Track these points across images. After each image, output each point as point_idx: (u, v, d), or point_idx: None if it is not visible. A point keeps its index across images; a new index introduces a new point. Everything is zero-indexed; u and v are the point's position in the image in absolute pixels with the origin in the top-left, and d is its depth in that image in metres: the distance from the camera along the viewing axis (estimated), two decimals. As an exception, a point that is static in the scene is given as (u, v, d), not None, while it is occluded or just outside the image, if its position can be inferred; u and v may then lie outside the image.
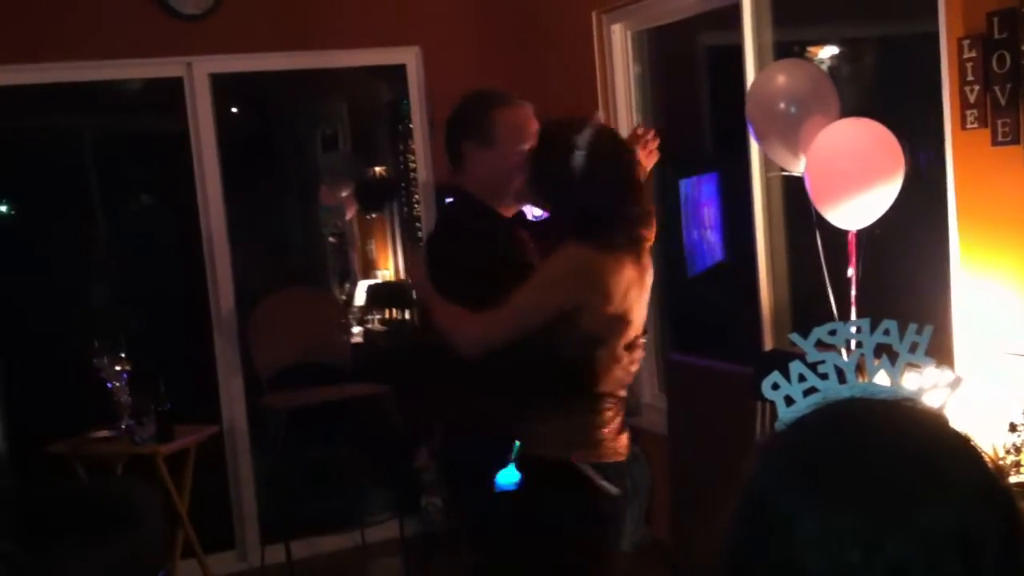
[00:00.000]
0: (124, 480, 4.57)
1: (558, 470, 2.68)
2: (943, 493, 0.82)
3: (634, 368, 2.80)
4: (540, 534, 2.68)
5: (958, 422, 0.91)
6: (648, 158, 2.97)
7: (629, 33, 4.87)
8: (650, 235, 2.79)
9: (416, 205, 5.94)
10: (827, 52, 4.29)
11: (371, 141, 6.94)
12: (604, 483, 2.71)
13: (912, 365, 1.08)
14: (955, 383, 1.05)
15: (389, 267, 6.82)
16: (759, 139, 3.45)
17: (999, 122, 2.91)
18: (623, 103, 4.89)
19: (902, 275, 3.59)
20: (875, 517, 0.81)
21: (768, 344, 4.18)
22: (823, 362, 1.07)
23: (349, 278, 6.94)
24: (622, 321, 2.69)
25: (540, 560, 2.69)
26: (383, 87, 6.43)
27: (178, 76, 4.98)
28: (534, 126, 2.81)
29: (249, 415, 5.12)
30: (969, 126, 2.99)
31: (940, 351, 3.17)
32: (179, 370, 4.96)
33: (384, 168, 6.74)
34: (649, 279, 2.80)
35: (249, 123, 6.40)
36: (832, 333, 1.10)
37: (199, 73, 4.97)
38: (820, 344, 1.13)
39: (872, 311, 3.21)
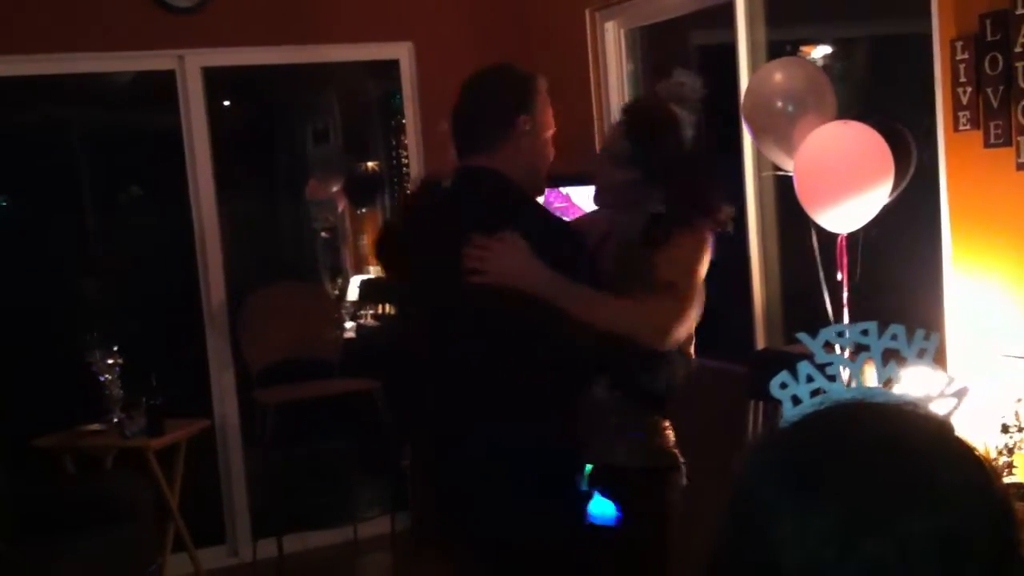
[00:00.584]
0: (115, 475, 4.56)
1: (650, 480, 2.62)
2: (928, 498, 0.82)
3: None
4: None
5: (962, 429, 0.91)
6: None
7: (622, 31, 4.87)
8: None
9: (408, 200, 5.94)
10: (820, 52, 4.30)
11: (363, 136, 6.93)
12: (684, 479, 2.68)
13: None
14: (962, 392, 1.06)
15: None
16: (755, 137, 3.45)
17: (991, 124, 2.92)
18: (616, 101, 4.89)
19: (895, 276, 3.61)
20: (853, 517, 0.81)
21: (760, 343, 4.19)
22: (831, 364, 1.08)
23: (341, 273, 6.94)
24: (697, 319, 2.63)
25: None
26: (376, 82, 6.42)
27: (170, 69, 4.97)
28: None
29: (240, 410, 5.12)
30: (961, 128, 3.00)
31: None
32: (170, 364, 4.95)
33: (375, 163, 6.74)
34: None
35: (241, 117, 6.39)
36: (840, 335, 1.11)
37: (191, 66, 4.96)
38: (826, 345, 1.14)
39: (865, 312, 3.23)
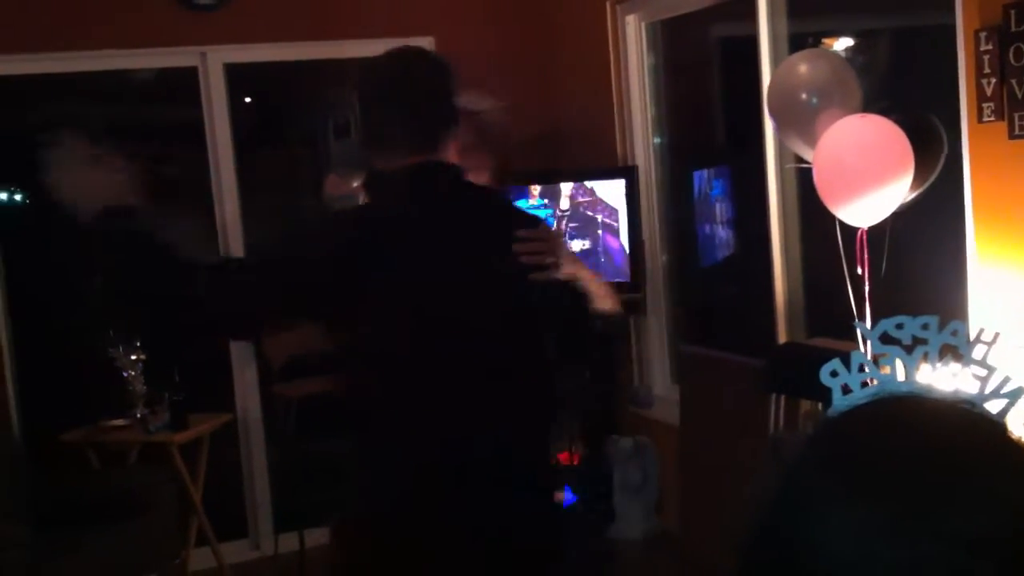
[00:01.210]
0: (139, 469, 4.60)
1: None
2: (987, 503, 0.80)
3: None
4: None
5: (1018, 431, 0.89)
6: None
7: (643, 24, 4.86)
8: None
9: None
10: (842, 44, 4.28)
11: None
12: None
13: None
14: (1017, 393, 1.04)
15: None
16: (779, 130, 3.44)
17: (1016, 115, 2.90)
18: (636, 94, 4.89)
19: (919, 269, 3.59)
20: (910, 515, 0.80)
21: (782, 337, 4.17)
22: (885, 355, 1.07)
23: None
24: None
25: None
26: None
27: (192, 66, 4.99)
28: None
29: (263, 404, 5.14)
30: (986, 119, 2.98)
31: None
32: (193, 359, 4.97)
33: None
34: None
35: (263, 113, 6.41)
36: (899, 327, 1.11)
37: (213, 63, 4.98)
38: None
39: (889, 306, 3.21)
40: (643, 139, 4.91)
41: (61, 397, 5.05)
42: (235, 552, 5.03)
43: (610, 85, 4.90)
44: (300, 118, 6.67)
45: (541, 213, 4.83)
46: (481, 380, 2.30)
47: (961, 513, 0.79)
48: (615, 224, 4.79)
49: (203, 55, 4.96)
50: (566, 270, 2.32)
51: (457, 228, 2.33)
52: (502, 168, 2.76)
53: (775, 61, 3.97)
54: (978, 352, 1.07)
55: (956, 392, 0.88)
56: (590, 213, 4.86)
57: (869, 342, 2.81)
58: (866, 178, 3.03)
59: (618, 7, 4.84)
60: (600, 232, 4.86)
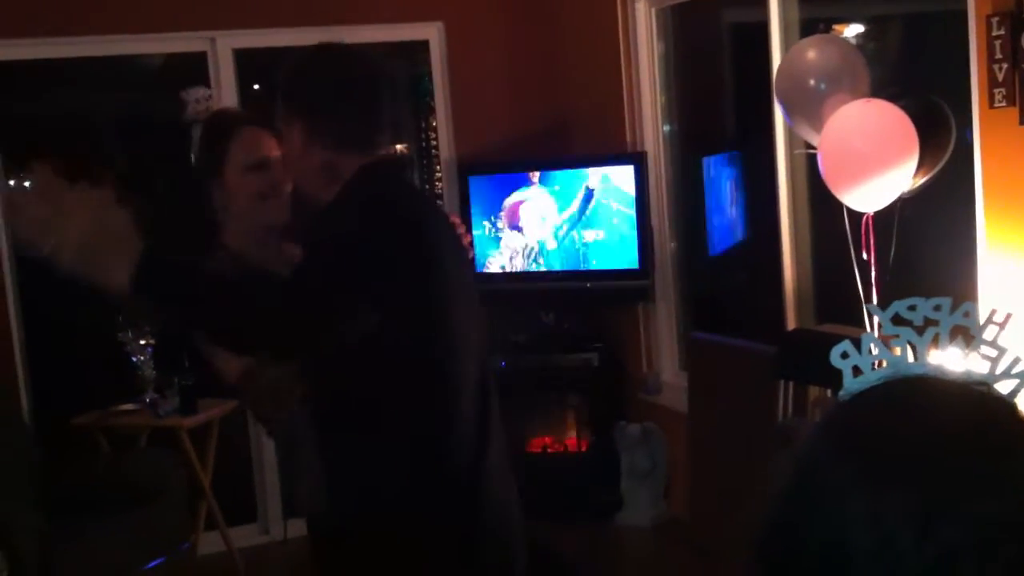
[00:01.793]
0: (149, 454, 4.61)
1: None
2: (1010, 484, 0.79)
3: None
4: None
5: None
6: None
7: (653, 10, 4.85)
8: None
9: (438, 183, 5.94)
10: (852, 30, 4.26)
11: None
12: None
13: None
14: None
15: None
16: (787, 115, 3.43)
17: (1028, 101, 2.89)
18: (647, 81, 4.88)
19: (929, 255, 3.58)
20: (931, 500, 0.78)
21: (791, 323, 4.17)
22: (897, 336, 1.06)
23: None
24: None
25: None
26: (405, 63, 6.41)
27: (202, 51, 4.99)
28: None
29: (272, 390, 5.14)
30: (997, 104, 2.97)
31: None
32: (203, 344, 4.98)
33: (404, 145, 6.73)
34: None
35: (272, 98, 6.41)
36: (911, 308, 1.10)
37: (223, 48, 4.97)
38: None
39: (899, 292, 3.20)
40: (653, 126, 4.90)
41: (71, 382, 5.06)
42: (244, 536, 5.04)
43: (620, 72, 4.89)
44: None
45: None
46: (488, 387, 2.24)
47: (981, 497, 0.78)
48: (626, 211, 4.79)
49: (212, 40, 4.96)
50: None
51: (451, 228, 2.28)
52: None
53: (786, 47, 3.96)
54: (989, 333, 1.07)
55: (967, 373, 0.86)
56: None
57: (880, 324, 2.81)
58: (871, 163, 3.02)
59: (628, -7, 4.83)
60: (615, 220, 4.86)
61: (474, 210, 5.12)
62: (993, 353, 1.11)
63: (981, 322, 1.09)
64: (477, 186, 5.15)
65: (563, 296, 5.08)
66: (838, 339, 3.52)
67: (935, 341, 1.16)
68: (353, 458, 2.18)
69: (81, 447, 4.63)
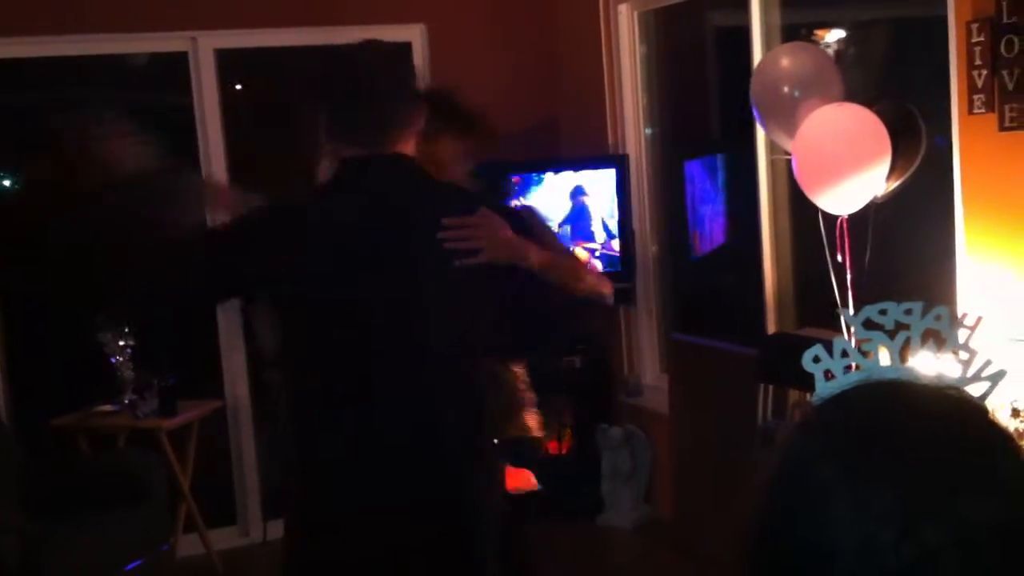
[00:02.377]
0: (129, 455, 4.59)
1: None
2: (989, 485, 0.80)
3: None
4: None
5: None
6: None
7: (636, 13, 4.86)
8: None
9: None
10: (834, 35, 4.28)
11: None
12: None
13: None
14: (997, 376, 1.05)
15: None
16: (762, 122, 3.45)
17: (1006, 107, 2.91)
18: (629, 84, 4.89)
19: (908, 259, 3.60)
20: (913, 500, 0.79)
21: (771, 326, 4.18)
22: (869, 340, 1.07)
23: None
24: None
25: None
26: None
27: (183, 51, 4.97)
28: None
29: (252, 390, 5.13)
30: (976, 111, 2.99)
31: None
32: (182, 345, 4.96)
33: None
34: None
35: (253, 99, 6.39)
36: (883, 312, 1.11)
37: (204, 48, 4.95)
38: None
39: (876, 295, 3.22)
40: (635, 129, 4.91)
41: (50, 383, 5.03)
42: (224, 538, 5.02)
43: (602, 75, 4.90)
44: (291, 105, 6.65)
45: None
46: (417, 365, 2.29)
47: (962, 499, 0.79)
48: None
49: (194, 40, 4.94)
50: (501, 253, 2.27)
51: (397, 218, 2.30)
52: (478, 148, 2.72)
53: (767, 52, 3.97)
54: (961, 336, 1.07)
55: (940, 376, 0.87)
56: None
57: (853, 328, 2.83)
58: (843, 165, 3.04)
59: (611, -4, 4.84)
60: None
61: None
62: (965, 356, 1.12)
63: (966, 326, 1.10)
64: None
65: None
66: (817, 342, 3.54)
67: (907, 345, 1.17)
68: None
69: (60, 448, 4.60)
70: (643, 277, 4.95)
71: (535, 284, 2.31)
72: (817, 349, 1.06)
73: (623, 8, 4.84)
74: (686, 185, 5.03)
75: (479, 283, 2.28)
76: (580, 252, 2.31)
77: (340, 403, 2.33)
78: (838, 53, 4.08)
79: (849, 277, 3.21)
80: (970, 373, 1.04)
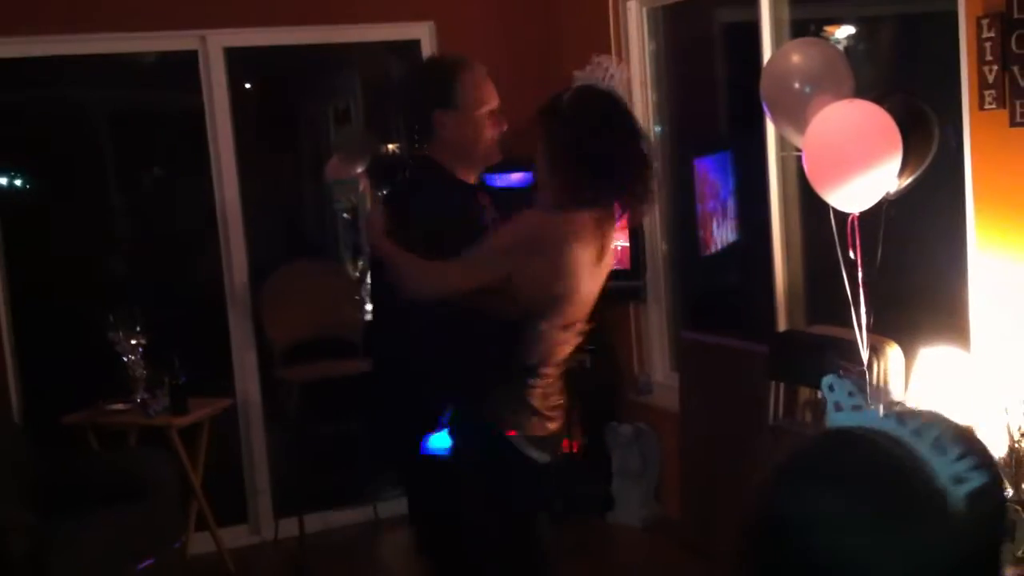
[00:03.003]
0: (140, 453, 4.60)
1: (489, 438, 2.75)
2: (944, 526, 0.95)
3: (567, 350, 2.81)
4: (470, 499, 2.77)
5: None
6: None
7: (645, 10, 4.85)
8: (629, 214, 2.81)
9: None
10: (843, 31, 4.27)
11: (384, 117, 6.93)
12: (532, 452, 2.77)
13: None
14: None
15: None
16: (773, 118, 3.43)
17: (1017, 103, 2.90)
18: (638, 80, 4.88)
19: (919, 256, 3.59)
20: (881, 541, 0.93)
21: (782, 324, 4.17)
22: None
23: (362, 254, 6.95)
24: (566, 300, 2.70)
25: (468, 522, 2.79)
26: (397, 63, 6.42)
27: (193, 50, 4.98)
28: (491, 87, 2.95)
29: (263, 388, 5.15)
30: (987, 106, 2.97)
31: (956, 331, 3.17)
32: (193, 343, 4.98)
33: (396, 145, 6.73)
34: (607, 266, 2.80)
35: (263, 98, 6.40)
36: (831, 388, 1.18)
37: (214, 47, 4.96)
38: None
39: (888, 293, 3.21)
40: (644, 125, 4.89)
41: (61, 381, 5.05)
42: (235, 537, 5.03)
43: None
44: (301, 103, 6.67)
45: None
46: None
47: (928, 538, 0.94)
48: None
49: (203, 39, 4.95)
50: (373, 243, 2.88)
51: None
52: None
53: (777, 48, 3.96)
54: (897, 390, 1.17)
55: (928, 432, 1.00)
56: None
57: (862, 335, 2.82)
58: (853, 162, 3.03)
59: (620, -8, 4.83)
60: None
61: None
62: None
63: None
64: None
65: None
66: (827, 340, 3.53)
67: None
68: None
69: (71, 446, 4.62)
70: (653, 275, 4.94)
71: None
72: (833, 378, 1.15)
73: (632, 4, 4.83)
74: (695, 182, 5.02)
75: None
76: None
77: None
78: (847, 49, 4.07)
79: (860, 274, 3.20)
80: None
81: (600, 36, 4.91)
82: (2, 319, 4.83)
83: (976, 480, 0.96)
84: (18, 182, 5.85)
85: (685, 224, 5.05)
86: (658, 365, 5.04)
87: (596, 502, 4.97)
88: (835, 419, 1.11)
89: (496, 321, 2.70)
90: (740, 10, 4.34)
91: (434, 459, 2.80)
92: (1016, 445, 2.68)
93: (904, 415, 1.01)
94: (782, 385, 3.80)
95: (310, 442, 5.30)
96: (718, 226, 5.10)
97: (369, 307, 5.40)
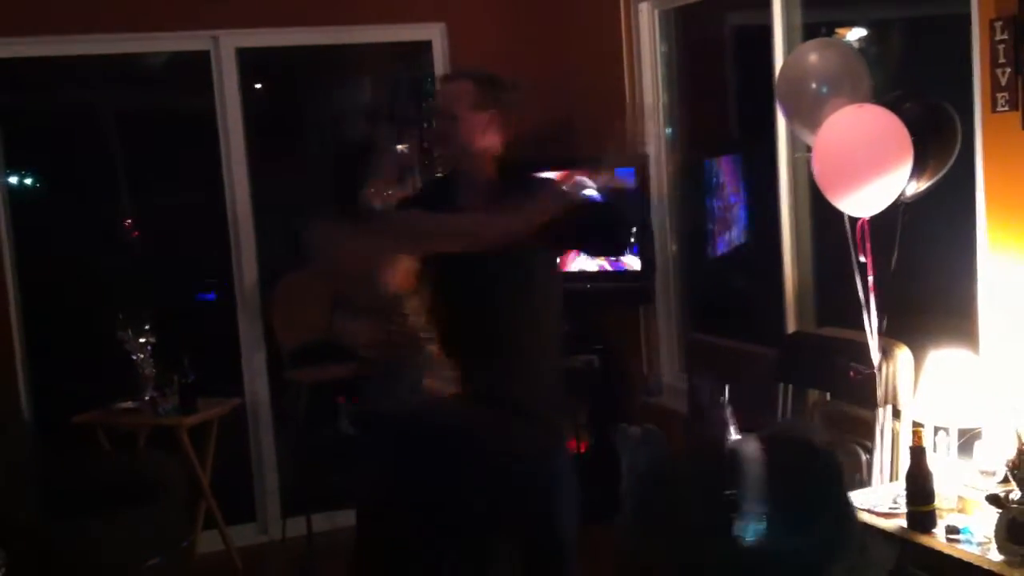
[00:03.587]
0: (148, 453, 4.61)
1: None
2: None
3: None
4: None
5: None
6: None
7: (657, 12, 4.85)
8: None
9: (439, 182, 5.94)
10: (855, 34, 4.26)
11: (394, 118, 6.93)
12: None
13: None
14: None
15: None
16: (788, 119, 3.43)
17: (1030, 105, 2.89)
18: (649, 82, 4.88)
19: (930, 259, 3.58)
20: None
21: (791, 326, 4.17)
22: None
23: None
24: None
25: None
26: (408, 64, 6.42)
27: (205, 50, 4.99)
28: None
29: (272, 389, 5.15)
30: (999, 109, 2.97)
31: (964, 333, 3.16)
32: (202, 343, 4.99)
33: (406, 145, 6.72)
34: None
35: (274, 98, 6.41)
36: None
37: (225, 47, 4.98)
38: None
39: (899, 295, 3.20)
40: (654, 127, 4.89)
41: (71, 380, 5.06)
42: (243, 536, 5.05)
43: (622, 73, 4.89)
44: (312, 104, 6.67)
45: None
46: None
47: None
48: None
49: (215, 39, 4.97)
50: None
51: None
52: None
53: (789, 50, 3.96)
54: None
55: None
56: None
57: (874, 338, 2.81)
58: (862, 168, 3.02)
59: (631, -6, 4.83)
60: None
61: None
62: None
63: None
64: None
65: (564, 298, 5.06)
66: (837, 342, 3.52)
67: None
68: None
69: (81, 445, 4.63)
70: (662, 276, 4.93)
71: None
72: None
73: (644, 6, 4.83)
74: (705, 184, 5.01)
75: None
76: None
77: None
78: (860, 51, 4.05)
79: (871, 278, 3.19)
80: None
81: (612, 38, 4.91)
82: (12, 319, 4.85)
83: None
84: (28, 182, 5.87)
85: (694, 226, 5.04)
86: (667, 366, 5.03)
87: (605, 504, 4.95)
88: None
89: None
90: (752, 13, 4.33)
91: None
92: (1026, 448, 2.67)
93: None
94: (791, 387, 3.79)
95: (319, 442, 5.30)
96: (728, 228, 5.10)
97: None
